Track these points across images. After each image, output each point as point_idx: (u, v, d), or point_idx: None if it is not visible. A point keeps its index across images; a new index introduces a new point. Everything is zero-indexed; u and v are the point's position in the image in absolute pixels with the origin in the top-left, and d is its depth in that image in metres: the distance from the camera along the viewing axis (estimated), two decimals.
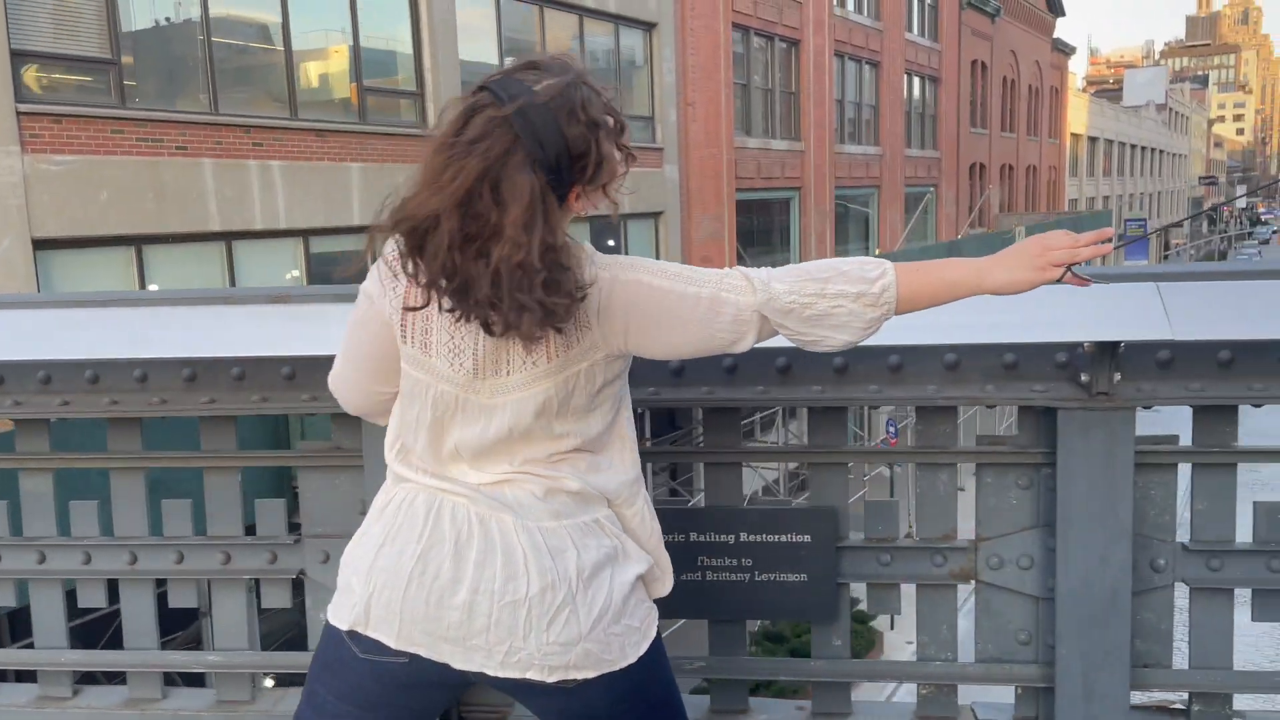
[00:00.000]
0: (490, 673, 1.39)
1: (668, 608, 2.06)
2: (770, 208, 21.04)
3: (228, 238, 11.09)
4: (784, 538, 2.00)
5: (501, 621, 1.37)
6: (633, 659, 1.44)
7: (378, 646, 1.42)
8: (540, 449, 1.42)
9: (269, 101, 11.63)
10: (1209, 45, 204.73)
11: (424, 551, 1.39)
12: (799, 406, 1.96)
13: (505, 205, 1.27)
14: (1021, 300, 1.75)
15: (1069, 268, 1.39)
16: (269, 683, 2.42)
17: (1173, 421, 1.86)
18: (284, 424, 9.73)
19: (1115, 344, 1.77)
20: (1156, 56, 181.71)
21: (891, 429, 18.15)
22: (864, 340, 1.44)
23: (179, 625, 3.37)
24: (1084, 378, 1.81)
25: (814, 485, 2.04)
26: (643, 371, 1.97)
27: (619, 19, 16.82)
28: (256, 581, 2.19)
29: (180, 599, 2.22)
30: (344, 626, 1.45)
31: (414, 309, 1.39)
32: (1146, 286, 1.72)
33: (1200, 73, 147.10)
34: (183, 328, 1.97)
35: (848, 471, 2.04)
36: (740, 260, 19.08)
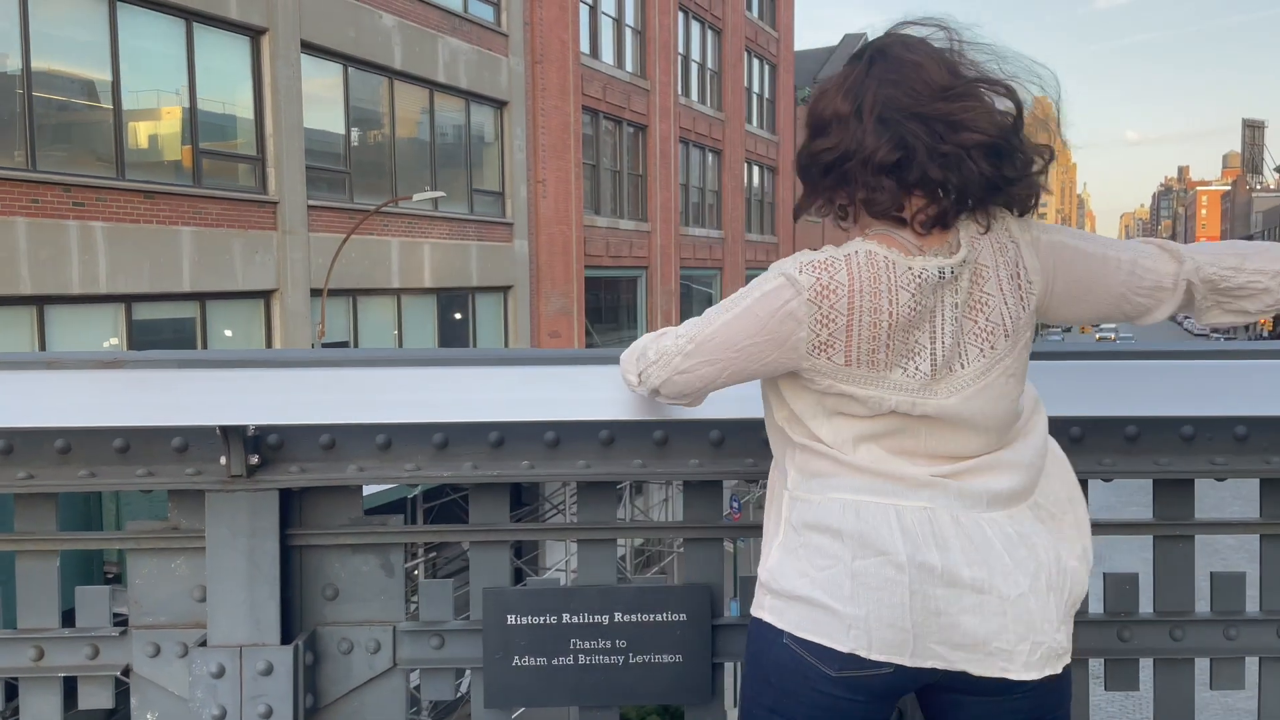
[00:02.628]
0: (1014, 676, 1.35)
1: (537, 694, 1.96)
2: (618, 285, 21.36)
3: (40, 302, 10.31)
4: (659, 617, 1.94)
5: (1019, 618, 1.34)
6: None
7: (855, 660, 1.36)
8: (999, 437, 1.41)
9: (93, 160, 10.99)
10: None
11: (912, 561, 1.34)
12: (676, 480, 1.93)
13: None
14: None
15: None
16: None
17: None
18: (95, 501, 8.96)
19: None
20: None
21: (735, 504, 18.42)
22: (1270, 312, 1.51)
23: None
24: None
25: (690, 562, 2.00)
26: (516, 446, 1.90)
27: (470, 95, 16.91)
28: (73, 680, 1.95)
29: None
30: (845, 649, 1.36)
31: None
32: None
33: None
34: None
35: (723, 548, 2.01)
36: (588, 335, 19.21)
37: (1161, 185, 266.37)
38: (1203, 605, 1.96)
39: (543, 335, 17.96)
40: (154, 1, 11.41)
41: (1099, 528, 1.94)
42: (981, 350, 1.37)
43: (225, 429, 1.80)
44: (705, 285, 25.21)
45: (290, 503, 1.93)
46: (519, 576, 15.48)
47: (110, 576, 8.74)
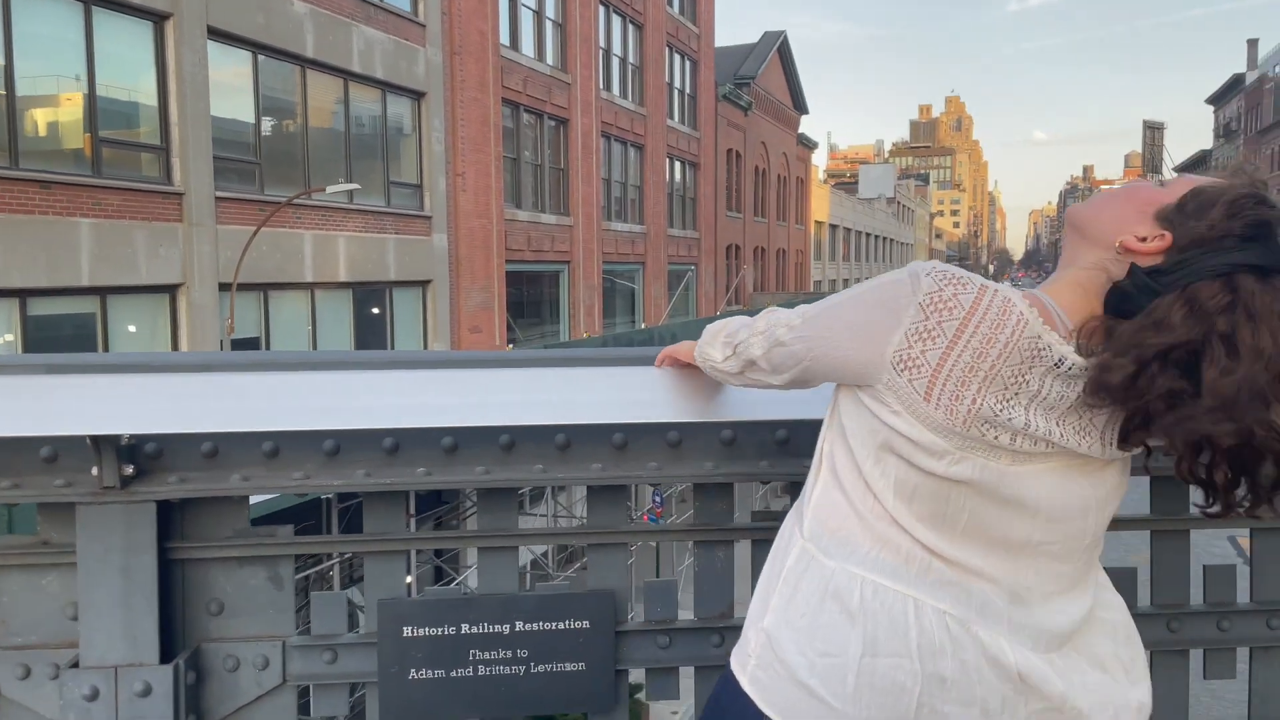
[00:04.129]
0: None
1: (435, 708, 1.90)
2: (540, 280, 21.22)
3: None
4: (562, 624, 1.90)
5: None
6: None
7: None
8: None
9: None
10: (929, 147, 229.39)
11: (924, 670, 1.22)
12: (577, 485, 1.88)
13: None
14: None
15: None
16: None
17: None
18: None
19: None
20: (886, 154, 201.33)
21: (657, 499, 18.45)
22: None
23: None
24: None
25: (593, 567, 1.96)
26: (411, 450, 1.83)
27: (386, 85, 16.57)
28: None
29: None
30: None
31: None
32: None
33: (922, 171, 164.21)
34: None
35: (629, 552, 1.98)
36: (510, 331, 19.04)
37: (1068, 184, 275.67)
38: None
39: (463, 330, 17.73)
40: None
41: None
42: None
43: (96, 438, 1.70)
44: (628, 280, 25.21)
45: (171, 514, 1.84)
46: (439, 575, 15.20)
47: None
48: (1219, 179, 1.17)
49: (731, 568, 1.99)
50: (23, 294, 10.83)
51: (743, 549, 1.97)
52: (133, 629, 1.76)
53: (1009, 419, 1.15)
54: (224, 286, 12.96)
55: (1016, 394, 1.15)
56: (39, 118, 11.49)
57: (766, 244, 37.62)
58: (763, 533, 1.97)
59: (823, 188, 51.01)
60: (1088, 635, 1.29)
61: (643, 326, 24.48)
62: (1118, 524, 1.99)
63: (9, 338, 10.96)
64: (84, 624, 1.76)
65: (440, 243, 17.72)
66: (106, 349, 11.93)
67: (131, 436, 1.74)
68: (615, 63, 24.32)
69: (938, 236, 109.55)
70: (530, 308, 20.91)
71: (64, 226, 11.12)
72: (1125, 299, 1.13)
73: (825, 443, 1.34)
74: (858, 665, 1.21)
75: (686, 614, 1.97)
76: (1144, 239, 1.15)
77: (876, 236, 61.81)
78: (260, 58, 14.11)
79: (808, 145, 44.76)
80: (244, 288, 13.25)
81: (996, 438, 1.17)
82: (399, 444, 1.83)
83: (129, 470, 1.74)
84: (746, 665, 1.30)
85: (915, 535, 1.22)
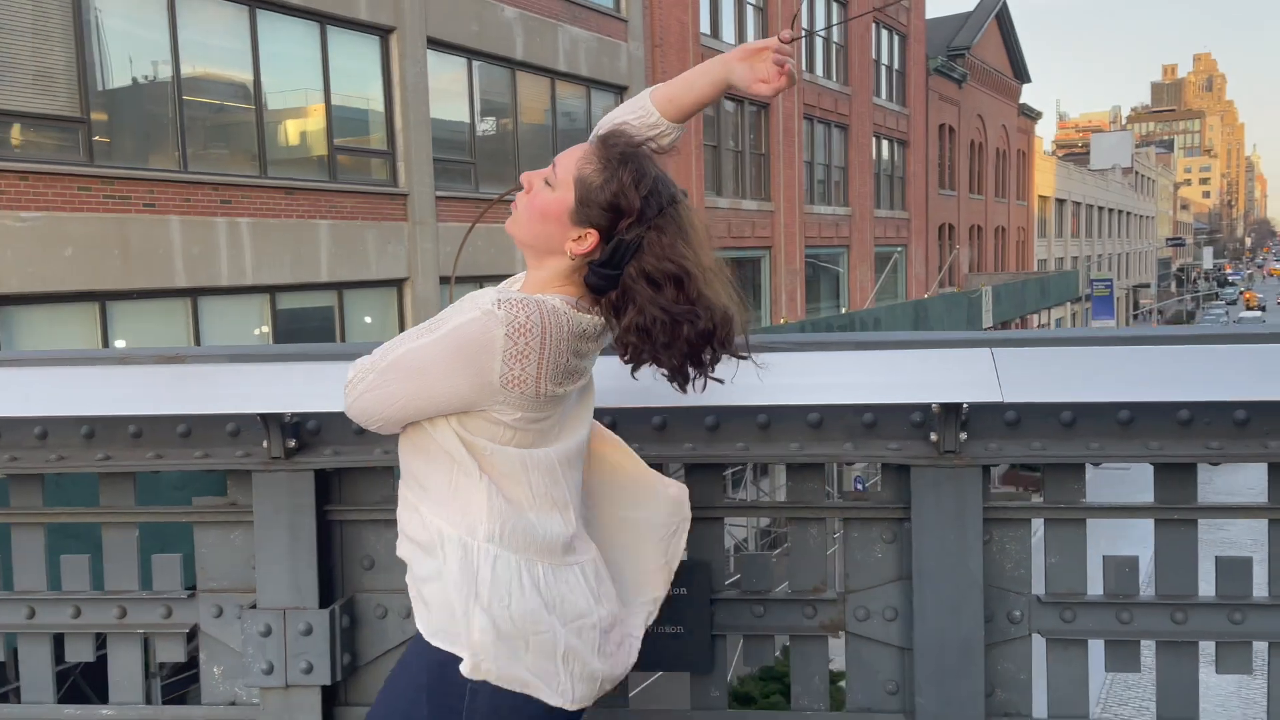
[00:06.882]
0: None
1: None
2: (741, 266, 21.31)
3: (193, 294, 11.15)
4: None
5: None
6: None
7: None
8: None
9: (238, 160, 11.78)
10: (1174, 111, 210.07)
11: None
12: (672, 463, 2.04)
13: None
14: (879, 363, 1.86)
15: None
16: None
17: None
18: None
19: (959, 405, 1.87)
20: (1123, 121, 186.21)
21: (860, 486, 18.21)
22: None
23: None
24: (933, 437, 1.91)
25: (691, 539, 2.11)
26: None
27: (591, 81, 17.18)
28: (152, 636, 2.23)
29: (77, 653, 2.25)
30: None
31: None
32: (983, 352, 1.83)
33: (1166, 137, 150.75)
34: (78, 386, 2.04)
35: (723, 526, 2.12)
36: None
37: None
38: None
39: None
40: (289, 6, 12.10)
41: (1103, 511, 1.96)
42: None
43: (265, 416, 2.03)
44: (832, 264, 24.86)
45: (330, 481, 2.15)
46: None
47: None
48: (584, 152, 1.51)
49: (825, 543, 2.09)
50: (272, 290, 12.12)
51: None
52: (297, 578, 2.09)
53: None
54: (444, 279, 13.95)
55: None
56: (284, 130, 12.80)
57: (984, 222, 35.91)
58: (854, 510, 2.06)
59: (1047, 160, 48.01)
60: None
61: (845, 311, 24.10)
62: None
63: (264, 329, 12.30)
64: (260, 572, 2.10)
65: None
66: (344, 339, 13.18)
67: (293, 415, 2.06)
68: (819, 42, 23.97)
69: (1184, 208, 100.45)
70: None
71: (306, 228, 12.34)
72: (599, 289, 1.48)
73: None
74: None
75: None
76: (577, 239, 1.49)
77: (1111, 210, 57.49)
78: (474, 63, 15.01)
79: (1030, 116, 42.27)
80: (461, 280, 14.20)
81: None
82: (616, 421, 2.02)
83: (292, 444, 2.06)
84: None
85: None
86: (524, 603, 1.47)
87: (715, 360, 1.51)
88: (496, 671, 1.46)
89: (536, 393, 1.44)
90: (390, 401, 1.47)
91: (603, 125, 1.71)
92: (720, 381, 1.54)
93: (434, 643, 1.50)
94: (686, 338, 1.45)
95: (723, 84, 1.70)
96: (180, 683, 7.19)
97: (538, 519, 1.50)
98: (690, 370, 1.50)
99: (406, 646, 1.62)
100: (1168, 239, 77.07)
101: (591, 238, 1.47)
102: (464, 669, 1.46)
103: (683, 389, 1.53)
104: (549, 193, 1.51)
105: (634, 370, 1.53)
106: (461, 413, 1.46)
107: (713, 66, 1.69)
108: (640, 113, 1.70)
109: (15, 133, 9.40)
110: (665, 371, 1.51)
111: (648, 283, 1.44)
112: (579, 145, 1.55)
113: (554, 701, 1.49)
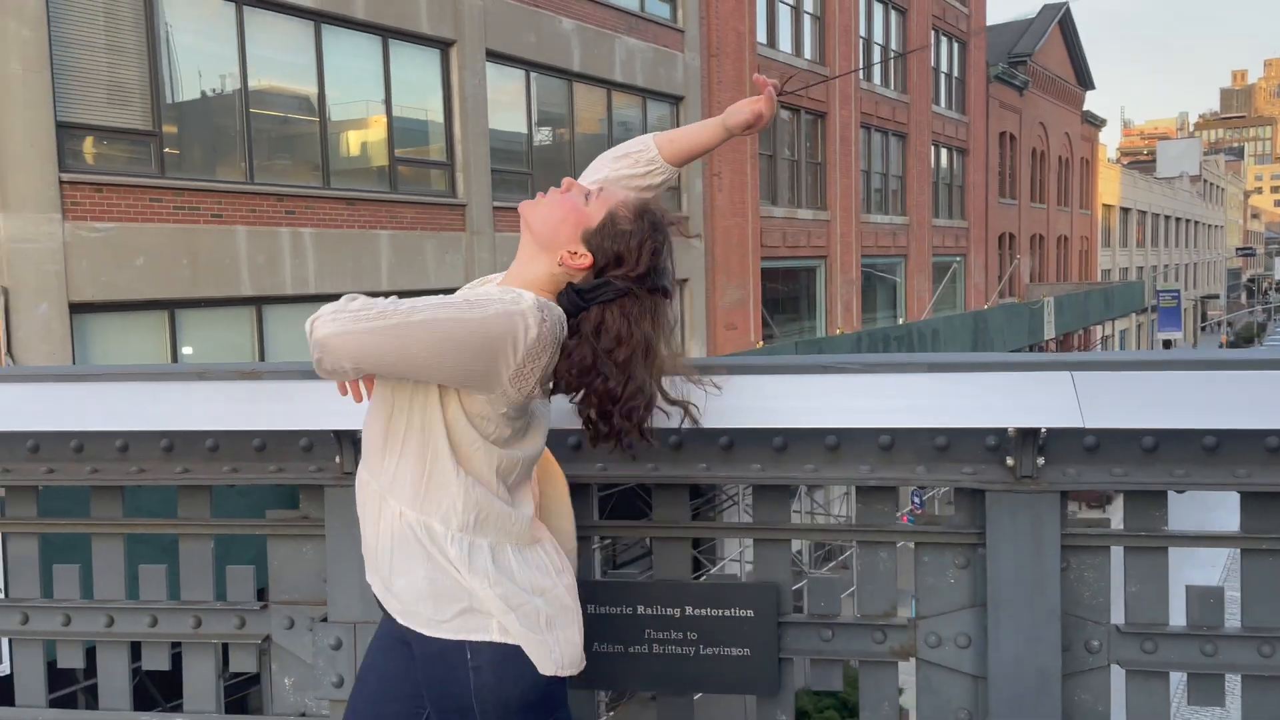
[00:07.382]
0: None
1: (618, 679, 2.12)
2: (796, 276, 21.19)
3: (258, 302, 11.39)
4: (728, 612, 2.05)
5: None
6: None
7: None
8: None
9: (302, 171, 12.02)
10: (1244, 117, 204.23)
11: None
12: (740, 484, 2.03)
13: None
14: (952, 385, 1.83)
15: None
16: None
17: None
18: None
19: (1036, 430, 1.83)
20: (1191, 128, 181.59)
21: (916, 500, 17.95)
22: None
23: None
24: (1010, 461, 1.87)
25: (758, 560, 2.10)
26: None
27: (647, 92, 17.24)
28: (225, 646, 2.27)
29: (154, 662, 2.30)
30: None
31: None
32: (1063, 375, 1.78)
33: (1236, 144, 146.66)
34: (156, 401, 2.09)
35: (789, 548, 2.09)
36: (765, 327, 19.20)
37: None
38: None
39: (719, 328, 18.11)
40: (354, 21, 12.33)
41: (1187, 539, 1.91)
42: None
43: (338, 433, 2.05)
44: (889, 273, 24.59)
45: None
46: (696, 566, 15.59)
47: None
48: (628, 198, 1.62)
49: (894, 567, 2.06)
50: (335, 298, 12.34)
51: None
52: (367, 592, 2.10)
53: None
54: None
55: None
56: (344, 141, 13.03)
57: (1045, 231, 35.26)
58: (924, 535, 2.03)
59: (1112, 168, 46.98)
60: None
61: (902, 321, 23.81)
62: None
63: None
64: (331, 586, 2.13)
65: (696, 243, 18.19)
66: None
67: None
68: (876, 51, 23.77)
69: (1254, 217, 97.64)
70: (787, 304, 20.94)
71: (367, 238, 12.55)
72: (565, 310, 1.56)
73: None
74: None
75: None
76: (575, 253, 1.58)
77: (1178, 219, 56.08)
78: (532, 74, 15.15)
79: (1094, 123, 41.44)
80: None
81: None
82: (682, 441, 2.03)
83: None
84: None
85: None
86: (505, 583, 1.56)
87: (624, 431, 1.60)
88: (515, 629, 1.54)
89: (529, 394, 1.53)
90: (399, 353, 1.49)
91: (603, 158, 1.89)
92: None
93: (427, 633, 1.57)
94: (595, 389, 1.55)
95: (720, 129, 1.91)
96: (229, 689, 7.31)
97: (508, 506, 1.59)
98: (601, 426, 1.60)
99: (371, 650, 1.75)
100: (1238, 249, 74.94)
101: (586, 260, 1.57)
102: (493, 634, 1.54)
103: (593, 444, 1.64)
104: (583, 202, 1.60)
105: (550, 396, 1.63)
106: (461, 392, 1.53)
107: (713, 118, 1.93)
108: (640, 148, 1.87)
109: (89, 145, 9.70)
110: (581, 420, 1.63)
111: (597, 327, 1.54)
112: (630, 194, 1.69)
113: (547, 670, 1.56)
